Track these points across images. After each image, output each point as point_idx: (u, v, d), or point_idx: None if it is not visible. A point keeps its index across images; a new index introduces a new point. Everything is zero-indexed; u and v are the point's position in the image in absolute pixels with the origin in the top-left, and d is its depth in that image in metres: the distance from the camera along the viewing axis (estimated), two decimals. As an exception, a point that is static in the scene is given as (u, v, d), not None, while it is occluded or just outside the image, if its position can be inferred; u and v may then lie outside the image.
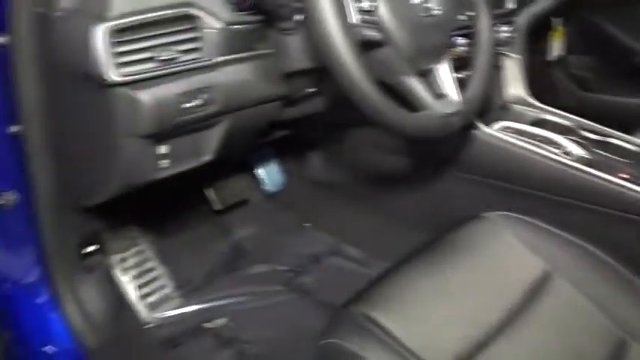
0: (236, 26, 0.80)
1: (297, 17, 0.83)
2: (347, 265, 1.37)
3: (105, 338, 0.99)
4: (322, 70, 0.79)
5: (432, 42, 0.82)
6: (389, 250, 1.04)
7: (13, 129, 0.83)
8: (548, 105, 1.20)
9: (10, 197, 0.90)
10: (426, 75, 0.83)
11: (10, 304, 0.99)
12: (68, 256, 0.98)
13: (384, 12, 0.75)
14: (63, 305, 0.97)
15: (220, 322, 1.20)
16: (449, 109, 0.81)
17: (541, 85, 1.29)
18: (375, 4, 0.74)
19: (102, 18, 0.68)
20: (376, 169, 1.29)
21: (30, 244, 0.94)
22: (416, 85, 0.79)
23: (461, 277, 0.86)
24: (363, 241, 1.38)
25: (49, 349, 0.98)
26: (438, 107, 0.80)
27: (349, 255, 1.40)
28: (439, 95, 0.83)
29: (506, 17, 1.21)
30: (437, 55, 0.84)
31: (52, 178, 0.87)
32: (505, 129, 1.08)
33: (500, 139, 1.04)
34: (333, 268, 1.38)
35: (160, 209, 1.30)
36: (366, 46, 0.74)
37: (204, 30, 0.76)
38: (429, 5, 0.81)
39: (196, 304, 1.24)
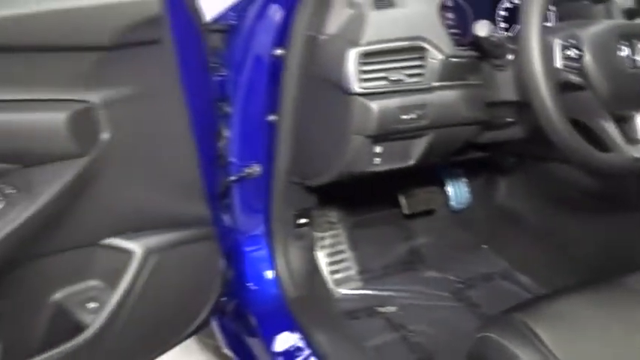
0: (455, 59, 0.96)
1: (509, 57, 0.97)
2: (515, 289, 1.44)
3: (301, 293, 1.23)
4: (523, 104, 0.91)
5: (634, 91, 0.89)
6: (559, 283, 1.10)
7: (271, 117, 1.10)
8: None
9: (256, 169, 1.18)
10: (622, 120, 0.90)
11: (237, 249, 1.27)
12: (286, 222, 1.23)
13: (588, 61, 0.85)
14: (275, 257, 1.23)
15: (391, 309, 1.38)
16: (639, 155, 0.87)
17: None
18: (581, 53, 0.85)
19: (355, 44, 0.91)
20: (558, 203, 1.35)
21: (261, 206, 1.21)
22: (610, 128, 0.87)
23: (632, 318, 0.87)
24: (534, 270, 1.43)
25: (251, 285, 1.24)
26: (628, 151, 0.87)
27: (519, 281, 1.46)
28: (633, 140, 0.89)
29: None
30: (637, 104, 0.90)
31: (290, 159, 1.13)
32: None
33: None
34: (502, 290, 1.46)
35: (358, 204, 1.52)
36: (566, 88, 0.85)
37: (429, 59, 0.95)
38: (637, 58, 0.88)
39: (373, 289, 1.43)
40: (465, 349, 0.92)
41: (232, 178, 1.17)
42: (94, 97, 0.79)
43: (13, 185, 0.76)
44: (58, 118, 0.75)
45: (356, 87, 0.90)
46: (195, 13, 0.90)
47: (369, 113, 0.92)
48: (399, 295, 1.42)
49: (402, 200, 1.56)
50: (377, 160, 1.00)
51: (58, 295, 0.90)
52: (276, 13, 1.02)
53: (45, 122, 0.75)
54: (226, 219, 1.24)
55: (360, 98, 0.91)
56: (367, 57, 0.90)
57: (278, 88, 1.06)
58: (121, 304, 0.90)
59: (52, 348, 0.88)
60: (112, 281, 0.91)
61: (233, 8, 1.10)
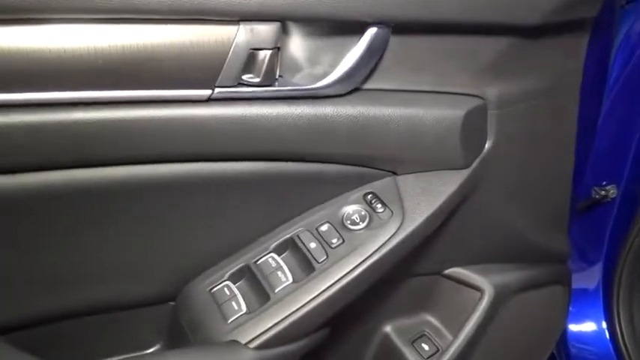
0: None
1: None
2: None
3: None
4: None
5: None
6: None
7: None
8: None
9: (612, 191, 0.91)
10: None
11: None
12: (636, 267, 0.94)
13: None
14: (614, 314, 0.94)
15: None
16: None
17: None
18: None
19: None
20: None
21: (606, 233, 0.94)
22: None
23: None
24: None
25: (577, 346, 0.96)
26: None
27: None
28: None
29: None
30: None
31: None
32: None
33: None
34: None
35: None
36: None
37: None
38: None
39: None
40: None
41: (582, 203, 0.92)
42: (491, 92, 0.60)
43: (381, 202, 0.61)
44: (453, 116, 0.58)
45: None
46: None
47: None
48: None
49: None
50: None
51: (387, 328, 0.74)
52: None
53: (433, 120, 0.58)
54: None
55: None
56: None
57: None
58: (462, 352, 0.71)
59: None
60: (451, 320, 0.73)
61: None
